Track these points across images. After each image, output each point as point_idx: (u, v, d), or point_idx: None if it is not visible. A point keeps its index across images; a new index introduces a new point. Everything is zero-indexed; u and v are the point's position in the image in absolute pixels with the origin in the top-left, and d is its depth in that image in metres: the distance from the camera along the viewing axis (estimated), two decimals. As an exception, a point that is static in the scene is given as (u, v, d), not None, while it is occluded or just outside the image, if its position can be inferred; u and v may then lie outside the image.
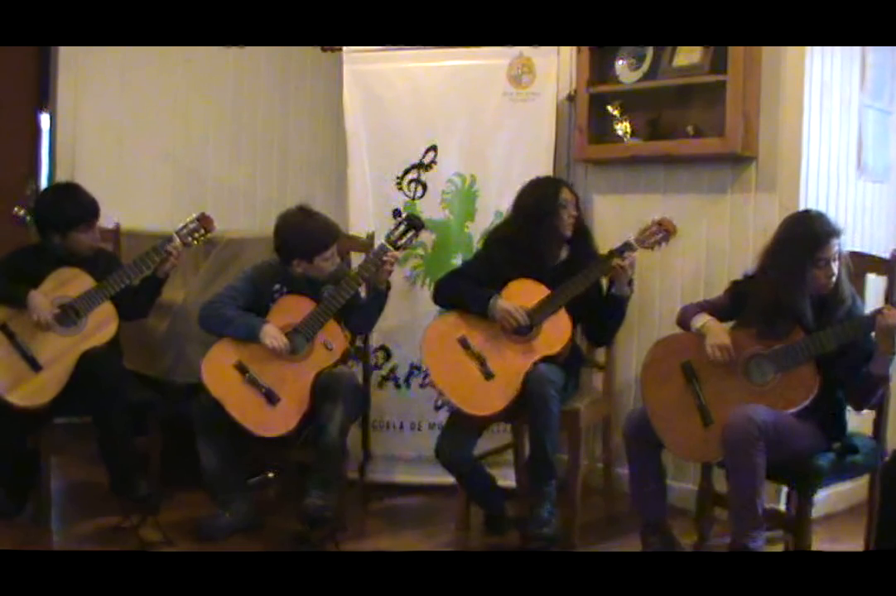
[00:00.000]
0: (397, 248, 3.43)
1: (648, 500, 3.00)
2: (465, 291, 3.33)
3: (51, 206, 3.43)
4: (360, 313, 3.45)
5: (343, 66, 3.96)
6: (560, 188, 3.36)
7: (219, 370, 3.31)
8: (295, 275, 3.42)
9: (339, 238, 3.43)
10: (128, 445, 3.30)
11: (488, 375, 3.23)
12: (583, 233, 3.41)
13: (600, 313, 3.35)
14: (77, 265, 3.38)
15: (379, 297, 3.46)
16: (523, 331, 3.25)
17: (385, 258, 3.38)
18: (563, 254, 3.41)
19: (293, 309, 3.36)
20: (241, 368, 3.31)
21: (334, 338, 3.33)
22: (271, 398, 3.27)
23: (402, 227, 3.45)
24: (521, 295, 3.28)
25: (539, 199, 3.33)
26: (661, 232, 3.26)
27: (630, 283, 3.28)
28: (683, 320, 3.05)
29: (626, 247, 3.24)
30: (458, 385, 3.25)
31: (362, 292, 3.50)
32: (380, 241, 3.55)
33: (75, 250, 3.40)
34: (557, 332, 3.24)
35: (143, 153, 4.79)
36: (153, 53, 4.63)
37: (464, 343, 3.28)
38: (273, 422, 3.26)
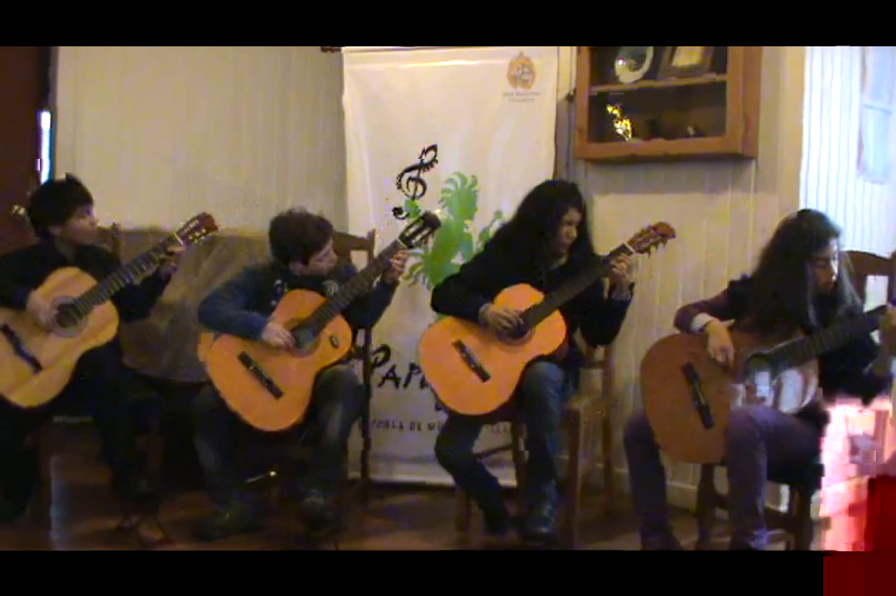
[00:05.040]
0: (410, 246, 3.45)
1: (648, 500, 3.00)
2: (458, 300, 3.35)
3: (46, 198, 3.46)
4: (365, 306, 3.45)
5: (343, 66, 3.96)
6: (567, 208, 3.32)
7: (223, 361, 3.32)
8: (294, 272, 3.43)
9: (331, 238, 3.43)
10: (128, 444, 3.30)
11: (484, 377, 3.24)
12: (583, 237, 3.40)
13: (600, 316, 3.35)
14: (77, 264, 3.38)
15: (385, 291, 3.48)
16: (517, 333, 3.26)
17: (396, 255, 3.39)
18: (563, 258, 3.42)
19: (300, 303, 3.37)
20: (246, 360, 3.31)
21: (341, 335, 3.34)
22: (274, 391, 3.27)
23: (417, 225, 3.46)
24: (516, 300, 3.29)
25: (542, 214, 3.31)
26: (657, 235, 3.28)
27: (630, 287, 3.29)
28: (682, 321, 3.04)
29: (621, 250, 3.25)
30: (452, 386, 3.26)
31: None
32: (382, 239, 3.57)
33: (77, 239, 3.40)
34: (551, 333, 3.24)
35: (143, 153, 4.79)
36: (153, 53, 4.63)
37: (459, 347, 3.29)
38: (274, 415, 3.26)
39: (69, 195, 3.40)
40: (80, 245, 3.43)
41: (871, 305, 2.95)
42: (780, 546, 3.01)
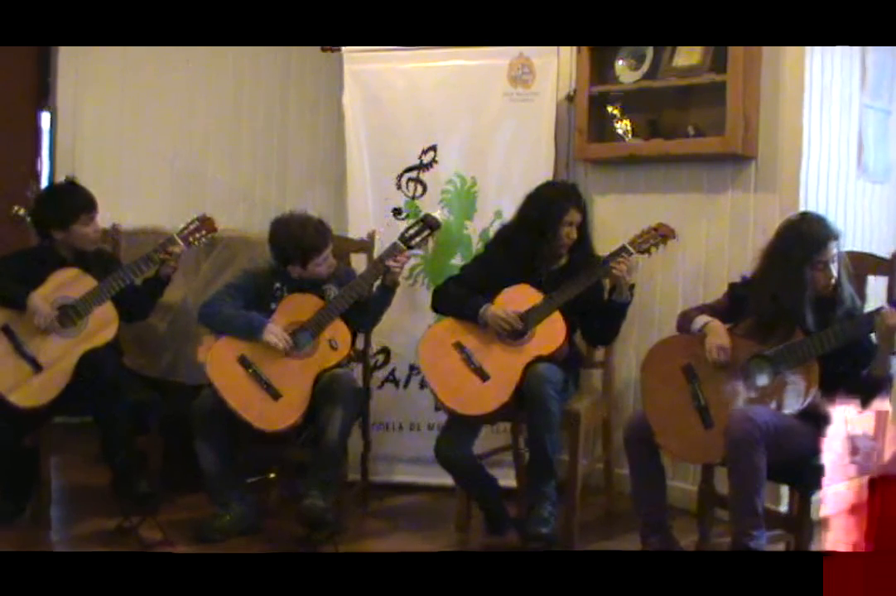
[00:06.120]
0: (410, 248, 3.45)
1: (648, 500, 3.00)
2: (458, 301, 3.34)
3: (50, 203, 3.44)
4: (365, 309, 3.45)
5: (343, 66, 3.96)
6: (567, 208, 3.31)
7: (222, 363, 3.31)
8: (293, 276, 3.43)
9: (330, 243, 3.43)
10: (128, 444, 3.30)
11: (484, 377, 3.23)
12: (583, 238, 3.40)
13: (600, 317, 3.35)
14: (77, 265, 3.38)
15: (386, 294, 3.48)
16: (518, 334, 3.25)
17: (396, 256, 3.39)
18: (563, 259, 3.41)
19: (300, 307, 3.37)
20: (245, 362, 3.31)
21: (341, 338, 3.33)
22: (272, 393, 3.27)
23: (417, 227, 3.46)
24: (516, 300, 3.28)
25: (543, 215, 3.31)
26: (658, 237, 3.28)
27: (631, 288, 3.28)
28: (683, 324, 3.04)
29: (621, 251, 3.25)
30: (452, 387, 3.26)
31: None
32: (381, 240, 3.56)
33: (79, 245, 3.40)
34: (552, 333, 3.24)
35: (143, 153, 4.79)
36: (153, 53, 4.62)
37: (459, 347, 3.29)
38: (274, 416, 3.26)
39: (74, 202, 3.38)
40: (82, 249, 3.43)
41: (871, 305, 2.96)
42: (780, 546, 3.01)
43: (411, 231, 3.47)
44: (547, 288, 3.29)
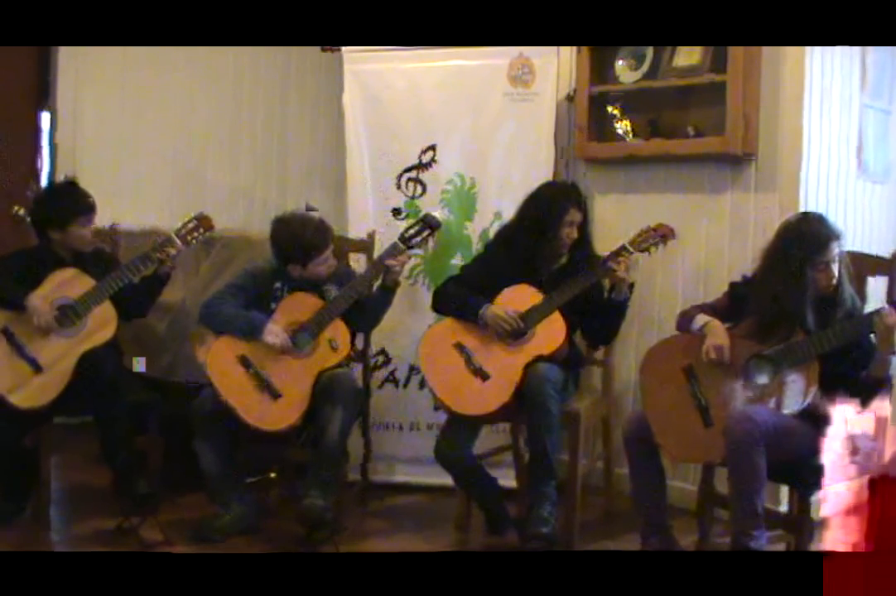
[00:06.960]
0: (410, 248, 3.45)
1: (648, 500, 3.00)
2: (458, 301, 3.34)
3: (49, 203, 3.44)
4: (365, 310, 3.45)
5: (343, 66, 3.96)
6: (568, 208, 3.31)
7: (223, 362, 3.32)
8: (294, 275, 3.43)
9: (331, 243, 3.43)
10: (128, 444, 3.30)
11: (484, 377, 3.23)
12: (583, 238, 3.40)
13: (600, 317, 3.35)
14: (75, 265, 3.38)
15: (386, 294, 3.48)
16: (518, 334, 3.25)
17: (396, 256, 3.39)
18: (563, 259, 3.41)
19: (300, 306, 3.37)
20: (245, 362, 3.31)
21: (341, 338, 3.33)
22: (272, 392, 3.27)
23: (417, 227, 3.46)
24: (516, 300, 3.28)
25: (543, 215, 3.31)
26: (657, 237, 3.28)
27: (630, 287, 3.28)
28: (683, 323, 3.04)
29: (621, 251, 3.25)
30: (453, 387, 3.26)
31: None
32: (381, 240, 3.56)
33: (76, 246, 3.41)
34: (552, 333, 3.24)
35: (143, 153, 4.79)
36: (153, 53, 4.63)
37: (459, 347, 3.29)
38: (274, 416, 3.26)
39: (72, 203, 3.39)
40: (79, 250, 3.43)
41: (871, 305, 2.96)
42: (780, 546, 3.01)
43: (411, 231, 3.47)
44: (547, 288, 3.29)
